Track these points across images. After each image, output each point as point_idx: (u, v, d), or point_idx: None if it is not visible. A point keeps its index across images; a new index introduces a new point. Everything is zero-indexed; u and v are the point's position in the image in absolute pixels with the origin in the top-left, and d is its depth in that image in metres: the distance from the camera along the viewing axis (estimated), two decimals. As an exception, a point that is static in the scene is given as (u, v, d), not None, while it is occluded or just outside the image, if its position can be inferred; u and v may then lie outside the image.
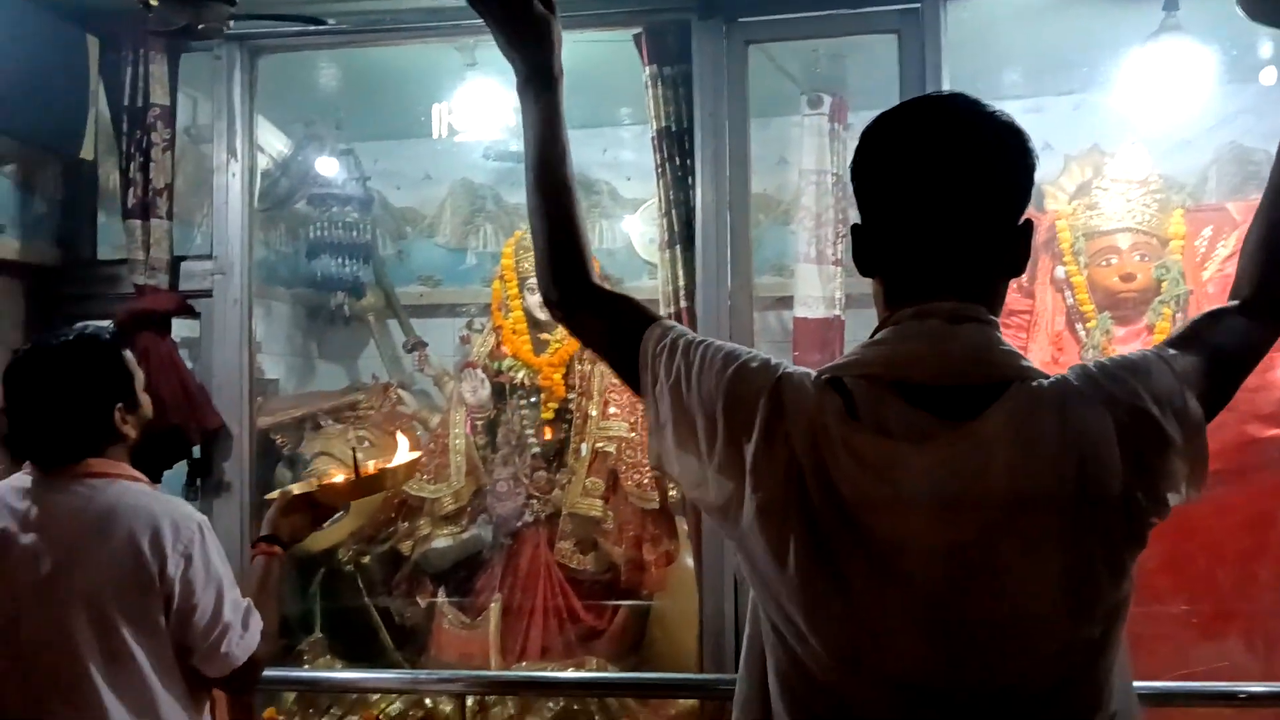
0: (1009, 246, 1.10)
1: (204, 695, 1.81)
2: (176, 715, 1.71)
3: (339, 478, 1.98)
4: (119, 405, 1.79)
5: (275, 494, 1.98)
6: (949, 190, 1.07)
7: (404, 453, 2.00)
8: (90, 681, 1.63)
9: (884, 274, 1.14)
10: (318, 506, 1.95)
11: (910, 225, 1.09)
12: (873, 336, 1.12)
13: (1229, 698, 2.26)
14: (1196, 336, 1.16)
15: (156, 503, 1.74)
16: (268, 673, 2.78)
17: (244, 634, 1.76)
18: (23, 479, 1.75)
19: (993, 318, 1.10)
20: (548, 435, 3.29)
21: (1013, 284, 1.19)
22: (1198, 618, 2.61)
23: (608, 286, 1.32)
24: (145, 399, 1.88)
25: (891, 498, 1.01)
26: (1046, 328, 2.88)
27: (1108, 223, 2.93)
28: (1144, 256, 2.89)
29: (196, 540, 1.73)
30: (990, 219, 1.08)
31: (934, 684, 1.00)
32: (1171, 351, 1.11)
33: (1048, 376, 1.07)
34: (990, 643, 0.99)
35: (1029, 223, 1.11)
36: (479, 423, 3.36)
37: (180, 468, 2.83)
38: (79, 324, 1.84)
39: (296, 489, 1.96)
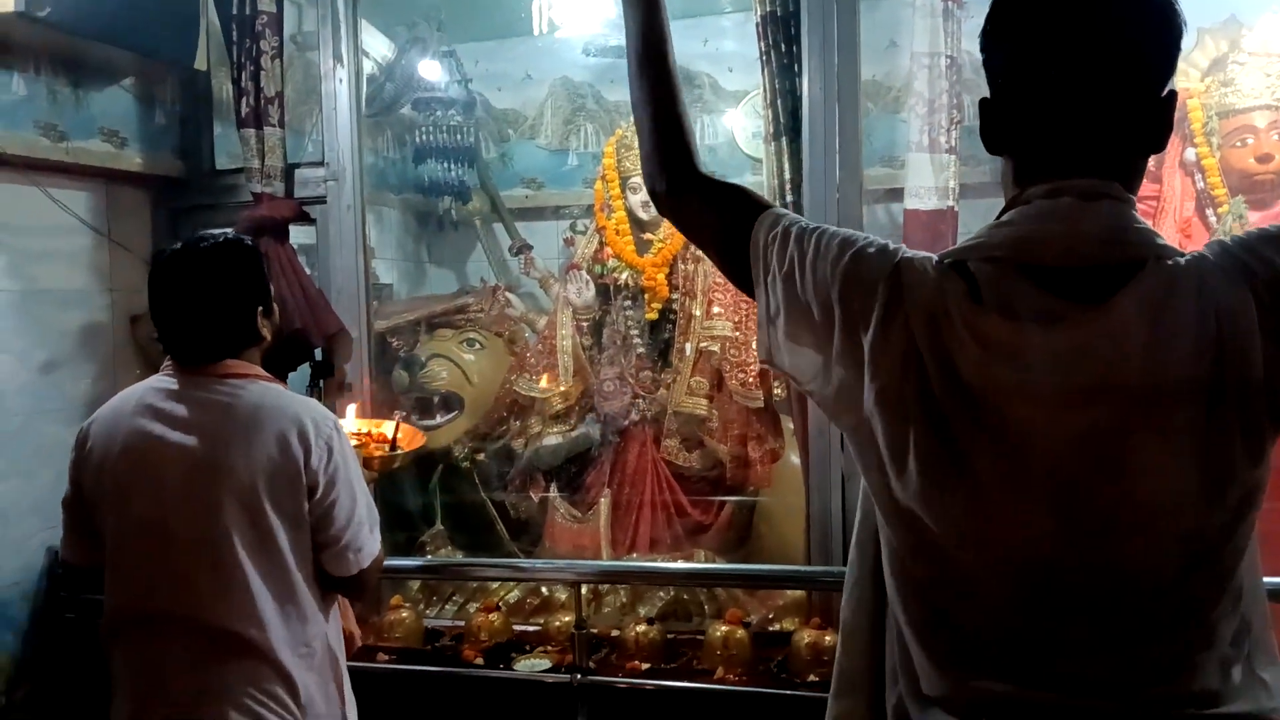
0: (1151, 119, 1.05)
1: (333, 592, 1.92)
2: (311, 602, 1.81)
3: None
4: (259, 308, 1.87)
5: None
6: (1090, 56, 1.01)
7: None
8: (240, 568, 1.73)
9: (1014, 151, 1.09)
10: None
11: (1046, 95, 1.04)
12: (999, 217, 1.08)
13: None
14: None
15: (297, 402, 1.82)
16: (395, 562, 2.98)
17: (371, 535, 1.84)
18: (163, 380, 1.83)
19: (1129, 195, 1.05)
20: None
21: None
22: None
23: (715, 176, 1.30)
24: (276, 306, 1.96)
25: (1018, 382, 0.98)
26: (1174, 214, 2.74)
27: (1244, 100, 2.74)
28: (1284, 135, 2.71)
29: (335, 437, 1.80)
30: (1133, 89, 1.03)
31: (1058, 565, 0.99)
32: None
33: (1184, 254, 1.03)
34: (1119, 526, 0.98)
35: (1173, 94, 1.05)
36: (585, 324, 3.40)
37: (303, 370, 2.96)
38: (218, 230, 1.90)
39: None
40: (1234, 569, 1.01)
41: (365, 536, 1.82)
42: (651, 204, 3.25)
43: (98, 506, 1.82)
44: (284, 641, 1.76)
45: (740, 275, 1.20)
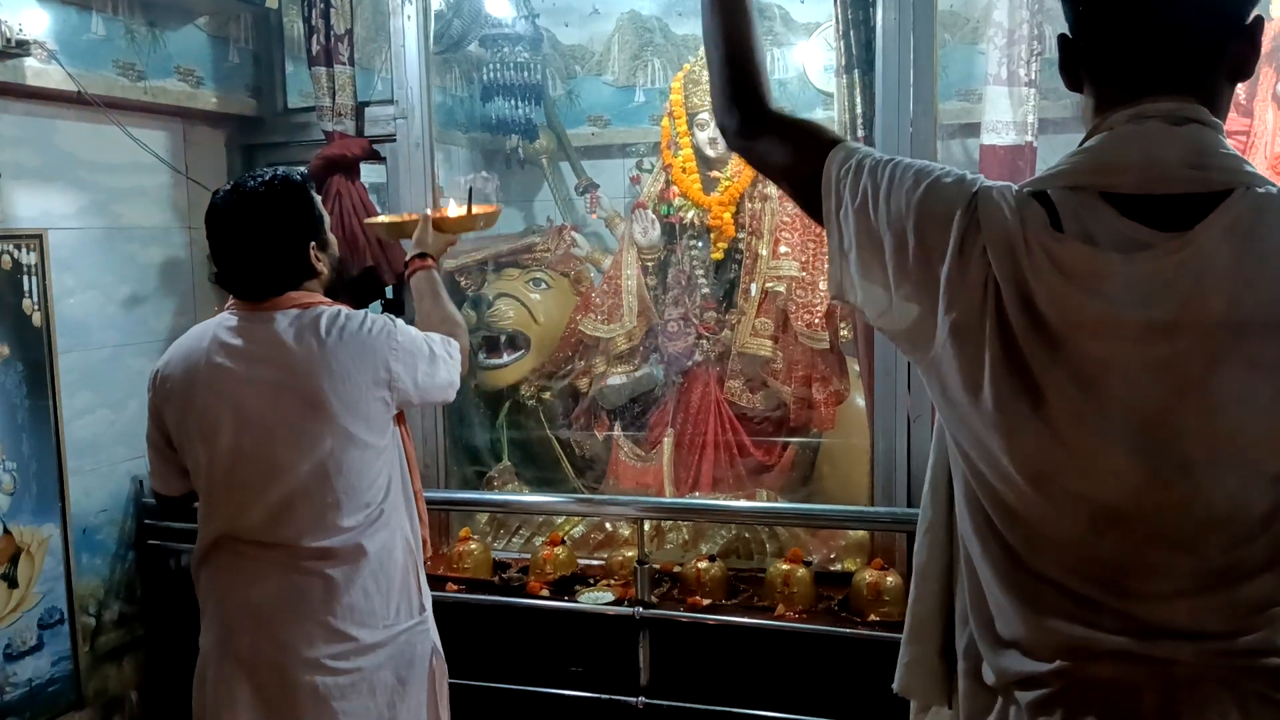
0: (1236, 44, 1.01)
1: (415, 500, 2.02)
2: (397, 503, 1.93)
3: (454, 212, 2.44)
4: (312, 243, 1.90)
5: (403, 218, 2.49)
6: None
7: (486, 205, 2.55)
8: (330, 486, 1.82)
9: (1095, 81, 1.06)
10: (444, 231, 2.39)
11: (1125, 21, 1.01)
12: (1082, 144, 1.05)
13: None
14: None
15: (355, 317, 1.89)
16: (465, 495, 3.05)
17: (451, 360, 2.02)
18: (228, 318, 1.90)
19: (1216, 120, 1.01)
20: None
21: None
22: None
23: (786, 112, 1.28)
24: (333, 239, 2.00)
25: (1098, 313, 0.96)
26: (1265, 150, 2.62)
27: (1346, 28, 2.59)
28: (1388, 67, 2.56)
29: (392, 329, 1.90)
30: (1215, 12, 0.99)
31: (1134, 506, 0.97)
32: None
33: (1275, 184, 0.98)
34: (1203, 463, 0.95)
35: (1259, 20, 1.01)
36: (650, 263, 3.39)
37: (374, 307, 3.01)
38: (270, 168, 1.94)
39: (431, 213, 2.41)
40: None
41: (450, 375, 2.02)
42: (719, 141, 3.25)
43: (185, 442, 1.90)
44: (367, 530, 1.86)
45: (814, 209, 1.18)
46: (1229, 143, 1.02)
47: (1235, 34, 1.01)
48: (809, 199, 1.19)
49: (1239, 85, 1.08)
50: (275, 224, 1.87)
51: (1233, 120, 2.64)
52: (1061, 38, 1.08)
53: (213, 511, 1.90)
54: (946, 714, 1.22)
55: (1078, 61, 1.07)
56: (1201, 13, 0.99)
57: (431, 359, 1.96)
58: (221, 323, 1.90)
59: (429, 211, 2.40)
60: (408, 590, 1.94)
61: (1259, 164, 2.61)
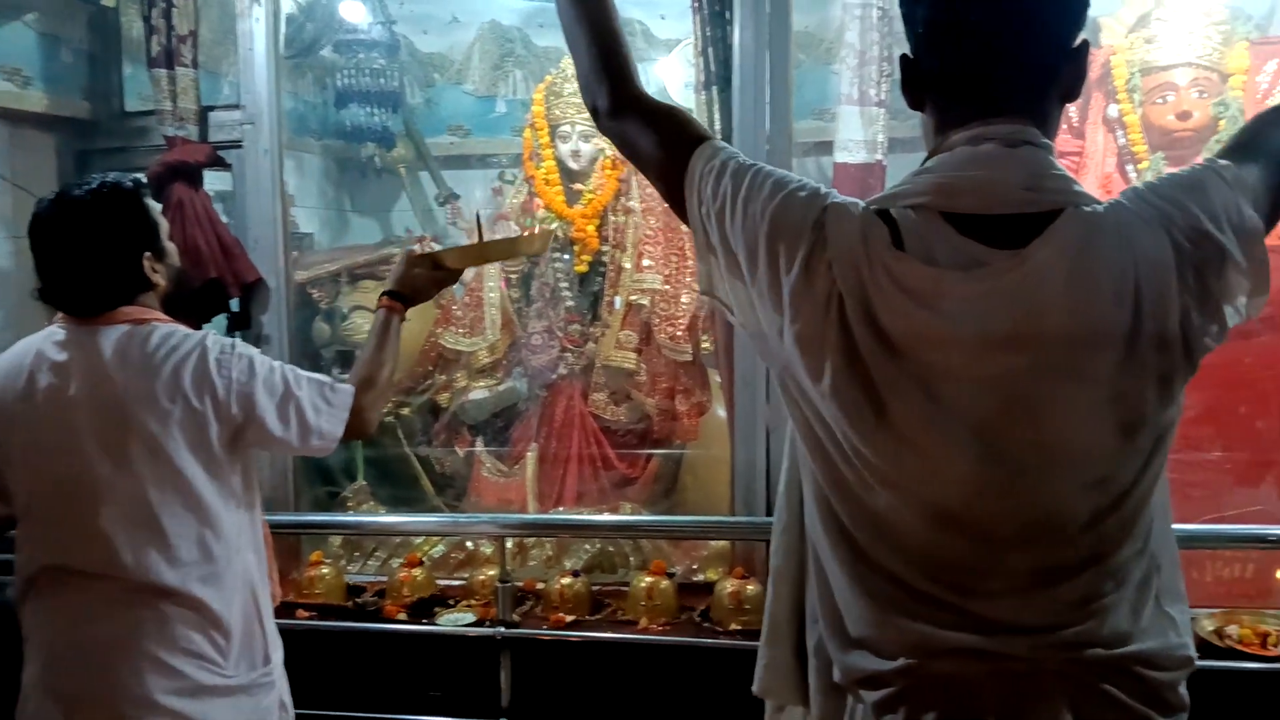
0: (1066, 68, 1.06)
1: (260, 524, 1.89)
2: (232, 538, 1.77)
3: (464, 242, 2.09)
4: (147, 254, 1.79)
5: (400, 252, 2.11)
6: (1004, 5, 1.03)
7: (514, 230, 2.23)
8: (155, 519, 1.69)
9: (935, 102, 1.10)
10: (439, 268, 2.06)
11: (963, 44, 1.05)
12: (924, 164, 1.09)
13: (1259, 540, 2.32)
14: (1251, 142, 1.11)
15: (192, 338, 1.76)
16: (317, 518, 2.94)
17: (329, 409, 1.80)
18: (55, 332, 1.77)
19: (1047, 141, 1.06)
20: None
21: (1062, 124, 1.15)
22: (1233, 464, 2.60)
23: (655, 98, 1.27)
24: (172, 248, 1.88)
25: (936, 328, 1.00)
26: (1096, 170, 2.78)
27: (1166, 57, 2.77)
28: (1203, 93, 2.75)
29: (235, 359, 1.75)
30: (1046, 36, 1.04)
31: (973, 508, 1.01)
32: (1223, 162, 1.08)
33: (1101, 202, 1.04)
34: (1034, 470, 1.00)
35: (1085, 44, 1.07)
36: (513, 277, 3.35)
37: (219, 321, 2.87)
38: (99, 174, 1.81)
39: (418, 250, 2.06)
40: (1144, 510, 1.04)
41: (321, 419, 1.79)
42: (582, 154, 3.23)
43: (5, 464, 1.76)
44: (202, 579, 1.72)
45: (677, 203, 1.20)
46: (1060, 163, 1.08)
47: (1064, 58, 1.06)
48: (673, 192, 1.20)
49: (1071, 108, 1.14)
50: (103, 234, 1.75)
51: (1066, 142, 2.79)
52: (903, 58, 1.12)
53: (34, 539, 1.76)
54: (799, 712, 1.24)
55: (918, 82, 1.11)
56: (1033, 39, 1.04)
57: (284, 399, 1.77)
58: (49, 337, 1.77)
59: (416, 247, 2.14)
60: (250, 643, 1.80)
61: (1091, 183, 2.77)
